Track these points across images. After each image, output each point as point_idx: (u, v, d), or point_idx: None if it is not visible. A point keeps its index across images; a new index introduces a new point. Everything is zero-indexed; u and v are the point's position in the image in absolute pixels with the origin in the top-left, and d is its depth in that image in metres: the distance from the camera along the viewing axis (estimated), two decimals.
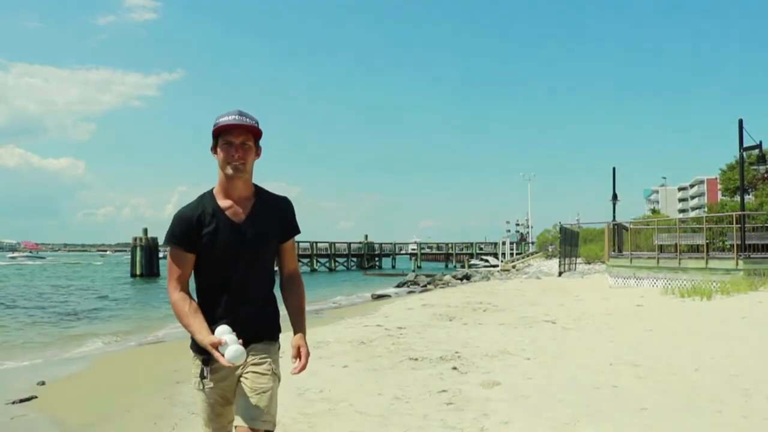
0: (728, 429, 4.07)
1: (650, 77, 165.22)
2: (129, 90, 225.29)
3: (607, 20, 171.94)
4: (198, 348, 2.21)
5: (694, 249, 16.70)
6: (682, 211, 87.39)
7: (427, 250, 79.31)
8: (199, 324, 2.15)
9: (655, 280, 16.17)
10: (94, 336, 12.87)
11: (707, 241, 15.68)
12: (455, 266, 57.60)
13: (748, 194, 25.36)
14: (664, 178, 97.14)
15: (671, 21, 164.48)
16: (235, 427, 2.21)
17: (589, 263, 31.67)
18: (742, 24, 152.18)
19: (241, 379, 2.23)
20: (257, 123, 2.25)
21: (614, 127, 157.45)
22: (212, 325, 2.17)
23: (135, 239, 46.21)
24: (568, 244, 30.41)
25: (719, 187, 38.68)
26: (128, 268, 47.75)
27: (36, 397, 6.41)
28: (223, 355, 2.06)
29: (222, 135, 2.22)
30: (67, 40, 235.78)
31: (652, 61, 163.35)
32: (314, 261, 59.72)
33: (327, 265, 61.19)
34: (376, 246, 70.56)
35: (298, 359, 2.29)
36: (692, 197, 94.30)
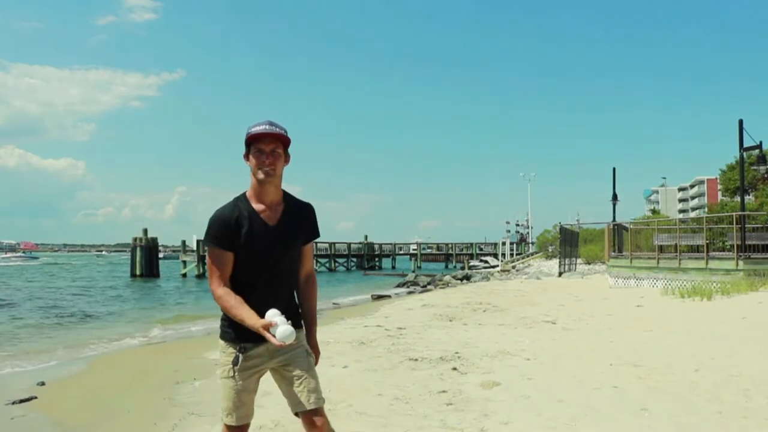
0: (728, 429, 4.07)
1: (650, 77, 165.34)
2: (129, 90, 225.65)
3: (606, 20, 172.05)
4: (233, 337, 2.42)
5: (694, 249, 16.70)
6: (682, 211, 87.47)
7: (428, 251, 79.27)
8: (247, 311, 2.30)
9: (655, 281, 16.17)
10: (94, 336, 12.86)
11: (707, 242, 15.67)
12: (455, 267, 57.59)
13: (749, 195, 25.36)
14: (664, 178, 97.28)
15: (671, 21, 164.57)
16: (303, 413, 2.43)
17: (589, 264, 31.68)
18: (742, 24, 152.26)
19: (285, 369, 2.45)
20: (286, 132, 2.43)
21: (614, 127, 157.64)
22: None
23: (135, 239, 46.12)
24: (568, 244, 30.40)
25: (719, 187, 38.71)
26: (124, 268, 47.67)
27: (36, 398, 6.40)
28: (274, 336, 2.22)
29: (253, 143, 2.39)
30: (67, 40, 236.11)
31: (652, 61, 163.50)
32: (314, 261, 59.49)
33: (327, 265, 61.13)
34: (376, 246, 70.49)
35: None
36: (692, 197, 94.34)
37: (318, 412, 2.45)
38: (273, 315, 2.26)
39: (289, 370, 2.45)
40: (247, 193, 2.46)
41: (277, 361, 2.46)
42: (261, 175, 2.38)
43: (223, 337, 2.48)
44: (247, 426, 2.48)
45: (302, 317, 2.59)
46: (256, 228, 2.39)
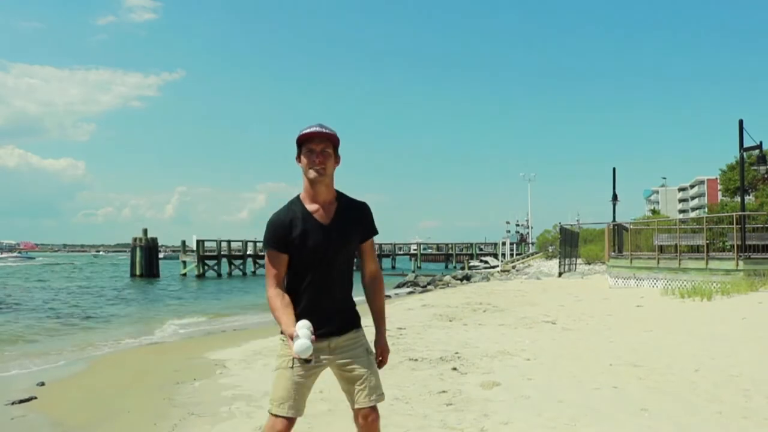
0: (728, 429, 4.07)
1: (650, 77, 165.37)
2: (129, 90, 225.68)
3: (607, 20, 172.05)
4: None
5: (694, 249, 16.71)
6: (682, 211, 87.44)
7: (428, 251, 79.26)
8: (287, 317, 2.38)
9: (655, 281, 16.17)
10: (93, 336, 12.87)
11: (707, 242, 15.68)
12: (455, 267, 57.56)
13: (749, 195, 25.36)
14: (664, 178, 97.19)
15: (671, 21, 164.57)
16: (358, 409, 2.50)
17: (589, 264, 31.68)
18: (742, 24, 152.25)
19: (347, 367, 2.52)
20: (335, 132, 2.50)
21: (614, 127, 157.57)
22: (302, 313, 2.42)
23: (135, 239, 46.14)
24: (568, 244, 30.40)
25: (719, 187, 38.72)
26: (123, 268, 47.56)
27: (36, 398, 6.40)
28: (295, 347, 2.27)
29: (304, 144, 2.47)
30: (67, 40, 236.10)
31: (652, 61, 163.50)
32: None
33: None
34: (376, 246, 70.30)
35: (380, 359, 2.61)
36: (692, 198, 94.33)
37: (375, 409, 2.52)
38: (300, 327, 2.29)
39: (350, 369, 2.52)
40: (301, 195, 2.54)
41: (337, 359, 2.51)
42: (312, 174, 2.45)
43: (283, 332, 2.52)
44: (294, 420, 2.48)
45: (372, 316, 2.67)
46: (310, 228, 2.46)
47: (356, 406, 2.51)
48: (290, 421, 2.45)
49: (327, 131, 2.45)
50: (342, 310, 2.55)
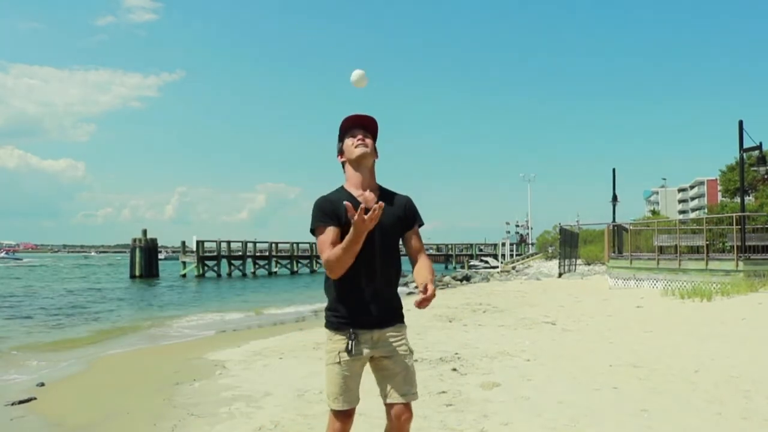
0: (728, 430, 4.07)
1: (650, 78, 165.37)
2: (128, 91, 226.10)
3: (606, 21, 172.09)
4: (338, 325, 2.50)
5: (694, 250, 16.71)
6: (682, 212, 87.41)
7: (428, 251, 79.13)
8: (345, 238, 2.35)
9: (655, 282, 16.17)
10: (93, 337, 12.86)
11: (707, 243, 15.68)
12: (455, 267, 57.60)
13: (749, 195, 25.34)
14: (664, 179, 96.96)
15: (671, 21, 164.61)
16: (391, 404, 2.51)
17: (589, 264, 31.69)
18: (742, 24, 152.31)
19: (385, 361, 2.52)
20: (375, 119, 2.60)
21: (614, 128, 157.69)
22: (349, 308, 2.48)
23: (134, 240, 46.12)
24: (568, 245, 30.41)
25: (719, 188, 38.68)
26: (115, 268, 47.28)
27: (35, 399, 6.39)
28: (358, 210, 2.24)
29: (346, 132, 2.58)
30: (67, 41, 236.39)
31: (652, 62, 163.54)
32: (314, 262, 59.72)
33: None
34: None
35: (423, 294, 2.41)
36: (692, 198, 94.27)
37: (408, 407, 2.52)
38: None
39: (388, 363, 2.53)
40: (344, 185, 2.59)
41: (379, 351, 2.52)
42: (358, 151, 2.51)
43: (329, 326, 2.56)
44: (353, 411, 2.54)
45: (420, 271, 2.54)
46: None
47: (389, 401, 2.53)
48: (348, 413, 2.52)
49: (365, 115, 2.57)
50: (387, 302, 2.56)
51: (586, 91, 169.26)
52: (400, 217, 2.58)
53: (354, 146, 2.53)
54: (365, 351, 2.51)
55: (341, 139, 2.60)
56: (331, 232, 2.45)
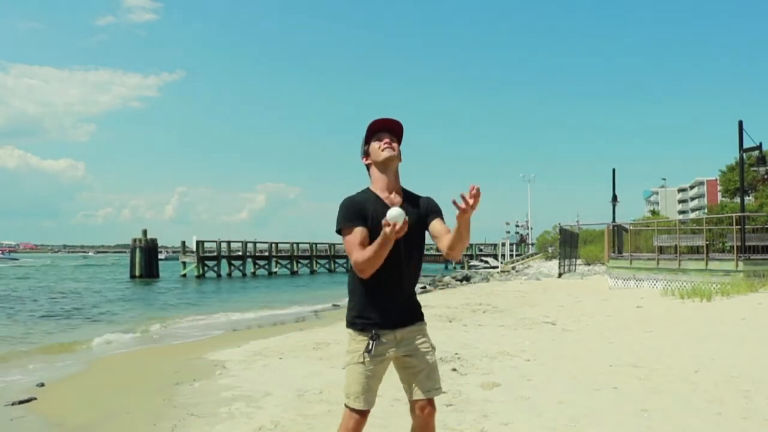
0: (728, 430, 4.07)
1: (650, 78, 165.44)
2: (128, 91, 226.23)
3: (606, 21, 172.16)
4: (363, 326, 2.53)
5: (694, 250, 16.71)
6: (681, 212, 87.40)
7: (428, 251, 79.29)
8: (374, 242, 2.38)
9: (654, 282, 16.17)
10: (93, 337, 12.85)
11: (707, 243, 15.68)
12: (455, 267, 57.57)
13: (748, 196, 25.35)
14: (664, 179, 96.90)
15: (670, 21, 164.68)
16: (415, 401, 2.56)
17: (589, 264, 31.69)
18: (741, 24, 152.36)
19: (408, 359, 2.57)
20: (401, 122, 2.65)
21: (614, 128, 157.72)
22: (374, 308, 2.51)
23: (134, 240, 46.11)
24: (568, 245, 30.41)
25: (719, 188, 38.70)
26: (116, 268, 47.14)
27: (35, 399, 6.39)
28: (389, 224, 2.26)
29: (372, 135, 2.63)
30: (66, 41, 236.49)
31: (652, 62, 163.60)
32: (314, 262, 59.75)
33: (327, 266, 61.18)
34: None
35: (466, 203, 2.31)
36: (692, 198, 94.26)
37: (431, 402, 2.59)
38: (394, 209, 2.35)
39: (412, 361, 2.58)
40: (370, 186, 2.64)
41: (402, 350, 2.56)
42: (385, 154, 2.56)
43: (352, 326, 2.59)
44: (368, 412, 2.56)
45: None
46: (381, 211, 2.49)
47: (414, 398, 2.58)
48: (364, 413, 2.54)
49: (392, 119, 2.62)
50: (409, 302, 2.62)
51: (586, 91, 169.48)
52: (422, 215, 2.63)
53: (381, 149, 2.57)
54: (389, 352, 2.56)
55: (367, 141, 2.64)
56: (359, 233, 2.49)
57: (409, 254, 2.56)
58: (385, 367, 2.59)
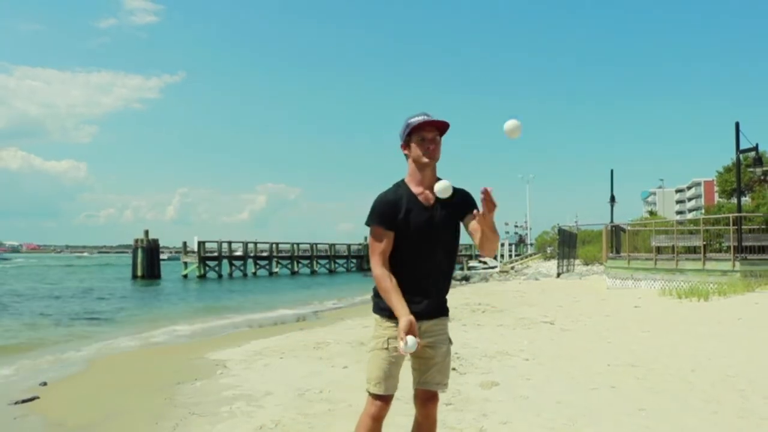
0: (725, 429, 4.11)
1: (648, 79, 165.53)
2: (130, 92, 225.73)
3: (605, 21, 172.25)
4: (391, 314, 2.53)
5: (692, 250, 16.78)
6: (679, 212, 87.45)
7: None
8: (398, 300, 2.47)
9: (652, 282, 16.22)
10: (94, 337, 12.88)
11: (704, 243, 15.74)
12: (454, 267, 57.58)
13: (745, 196, 25.41)
14: (662, 180, 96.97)
15: (670, 21, 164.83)
16: (422, 390, 2.63)
17: (587, 264, 31.72)
18: (740, 25, 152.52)
19: (427, 350, 2.59)
20: (446, 121, 2.63)
21: (612, 129, 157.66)
22: (405, 299, 2.49)
23: (136, 241, 46.14)
24: (567, 245, 30.47)
25: (716, 189, 38.68)
26: (108, 270, 46.95)
27: (38, 398, 6.43)
28: (403, 342, 2.37)
29: (415, 132, 2.58)
30: (69, 43, 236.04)
31: (650, 63, 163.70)
32: (314, 263, 59.68)
33: (327, 266, 61.13)
34: None
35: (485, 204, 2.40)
36: (689, 199, 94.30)
37: (437, 396, 2.65)
38: (411, 338, 2.39)
39: (429, 351, 2.61)
40: (406, 179, 2.65)
41: (424, 341, 2.56)
42: (425, 159, 2.57)
43: (380, 312, 2.62)
44: (391, 398, 2.61)
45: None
46: (415, 208, 2.56)
47: (420, 387, 2.63)
48: (387, 399, 2.58)
49: (439, 120, 2.59)
50: (437, 295, 2.64)
51: (585, 91, 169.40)
52: (460, 209, 2.63)
53: (422, 153, 2.57)
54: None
55: (411, 133, 2.58)
56: (383, 238, 2.54)
57: (443, 248, 2.61)
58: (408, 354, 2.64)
